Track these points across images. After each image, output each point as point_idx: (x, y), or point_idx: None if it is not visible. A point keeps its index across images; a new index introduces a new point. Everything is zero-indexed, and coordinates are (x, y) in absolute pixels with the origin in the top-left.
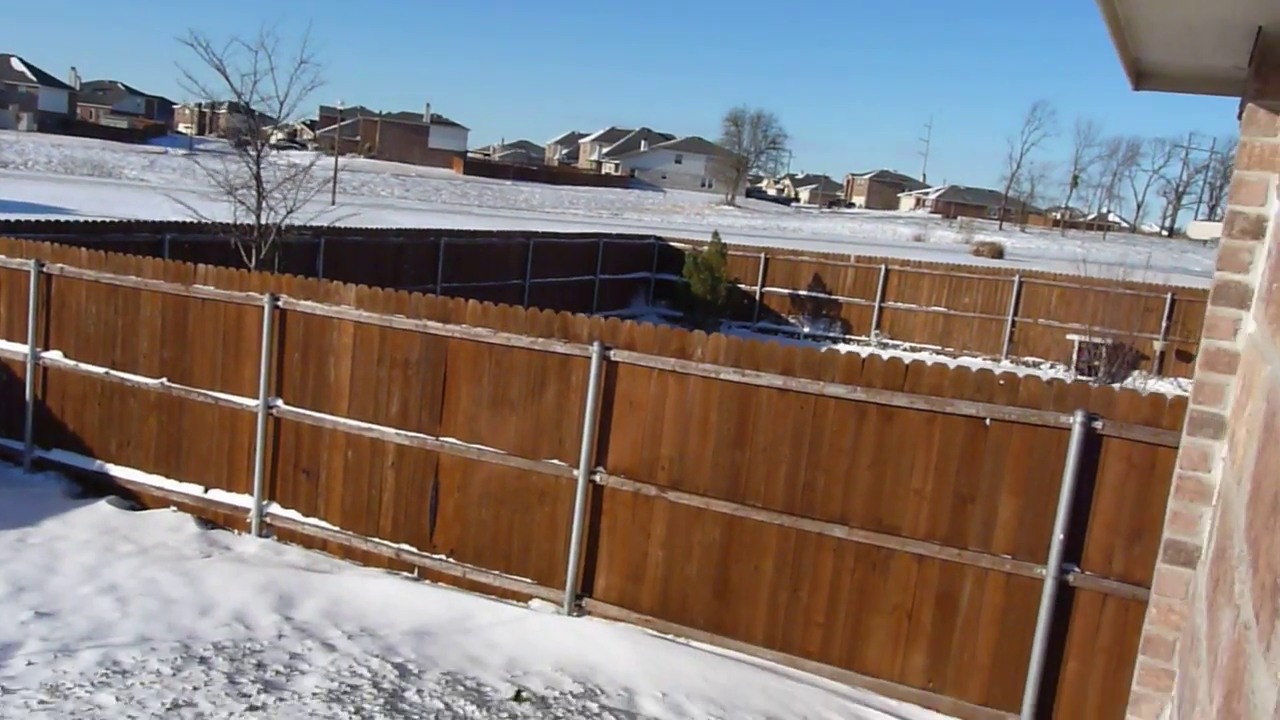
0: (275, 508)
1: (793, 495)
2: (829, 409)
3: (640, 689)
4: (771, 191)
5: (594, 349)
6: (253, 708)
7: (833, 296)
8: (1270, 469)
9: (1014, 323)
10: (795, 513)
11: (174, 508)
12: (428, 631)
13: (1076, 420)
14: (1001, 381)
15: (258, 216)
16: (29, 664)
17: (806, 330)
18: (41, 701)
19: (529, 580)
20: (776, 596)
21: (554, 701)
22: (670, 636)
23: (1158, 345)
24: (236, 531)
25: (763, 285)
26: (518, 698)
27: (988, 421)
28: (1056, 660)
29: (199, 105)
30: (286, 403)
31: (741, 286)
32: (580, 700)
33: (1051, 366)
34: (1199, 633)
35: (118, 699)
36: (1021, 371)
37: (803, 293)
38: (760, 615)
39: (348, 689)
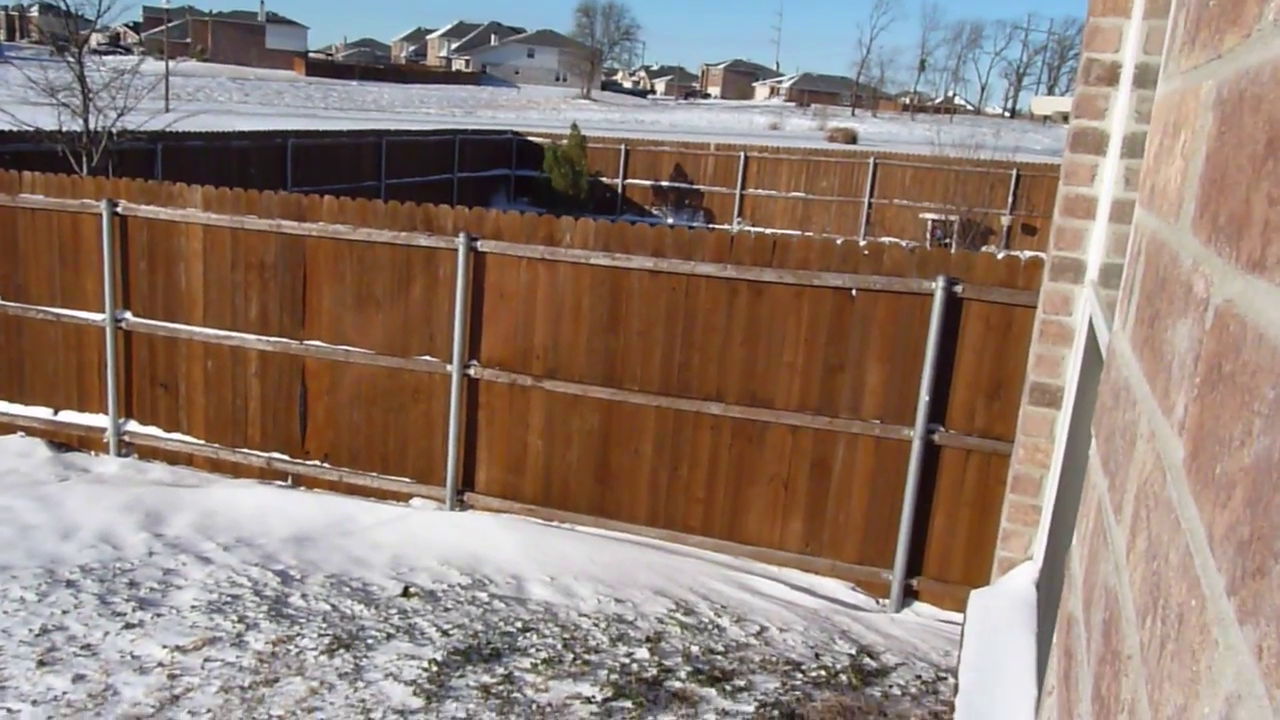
0: (133, 425)
1: (669, 376)
2: (701, 288)
3: (528, 575)
4: (627, 84)
5: (460, 240)
6: (129, 625)
7: (694, 186)
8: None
9: (870, 205)
10: (672, 393)
11: (21, 433)
12: (308, 537)
13: (939, 285)
14: (866, 252)
15: (85, 121)
16: None
17: (670, 221)
18: None
19: (408, 479)
20: (657, 476)
21: (443, 594)
22: (555, 524)
23: (1005, 220)
24: (94, 453)
25: (624, 178)
26: (405, 594)
27: (854, 292)
28: (925, 515)
29: (5, 8)
30: (136, 314)
31: (603, 180)
32: (469, 591)
33: (907, 245)
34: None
35: None
36: None
37: (665, 184)
38: (643, 496)
39: (229, 599)
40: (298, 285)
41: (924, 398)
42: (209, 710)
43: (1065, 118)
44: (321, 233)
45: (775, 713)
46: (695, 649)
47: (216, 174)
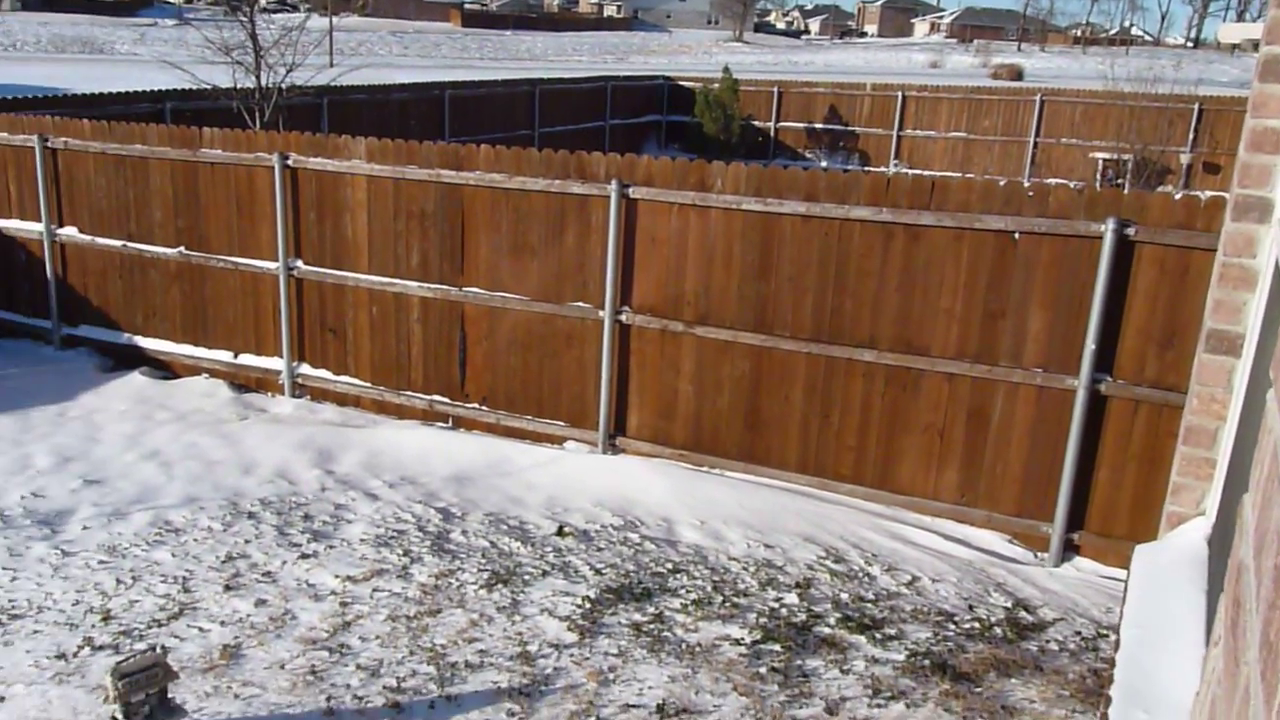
0: (305, 368)
1: (820, 322)
2: (854, 233)
3: (678, 518)
4: (780, 25)
5: (612, 187)
6: (304, 556)
7: (849, 128)
8: None
9: (1036, 145)
10: (823, 340)
11: (206, 375)
12: (467, 477)
13: (1108, 227)
14: (1030, 193)
15: (258, 78)
16: (84, 528)
17: (824, 164)
18: (101, 561)
19: (562, 423)
20: (808, 423)
21: (595, 534)
22: (704, 469)
23: (1184, 158)
24: (270, 394)
25: (777, 121)
26: (560, 533)
27: (1016, 235)
28: (1088, 468)
29: None
30: (306, 263)
31: (755, 123)
32: (621, 532)
33: (1075, 185)
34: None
35: (173, 555)
36: None
37: (818, 126)
38: (792, 443)
39: (394, 534)
40: (456, 233)
41: (1090, 346)
42: (377, 637)
43: (1255, 46)
44: (478, 181)
45: (926, 662)
46: (845, 596)
47: (378, 126)
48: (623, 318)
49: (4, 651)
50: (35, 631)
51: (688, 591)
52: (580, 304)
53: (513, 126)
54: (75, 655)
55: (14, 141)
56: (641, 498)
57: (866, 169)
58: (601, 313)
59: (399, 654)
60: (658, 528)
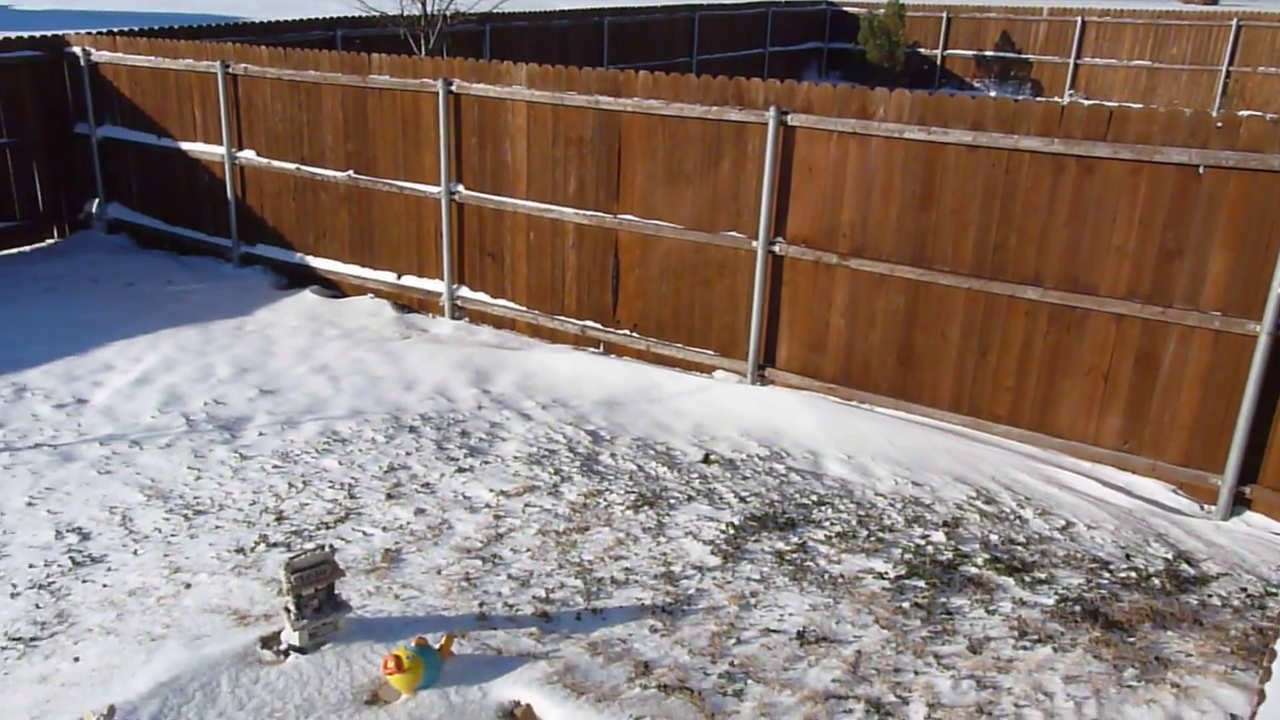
0: (464, 291)
1: (982, 258)
2: (1023, 164)
3: (825, 451)
4: None
5: (770, 114)
6: (461, 469)
7: (1022, 56)
8: None
9: (1229, 74)
10: (984, 276)
11: (371, 294)
12: (616, 401)
13: None
14: (1219, 124)
15: (423, 5)
16: (260, 434)
17: (993, 94)
18: (275, 465)
19: (711, 352)
20: (963, 361)
21: (741, 463)
22: (853, 403)
23: None
24: (430, 315)
25: (944, 48)
26: (706, 460)
27: (1201, 169)
28: (1267, 418)
29: None
30: (467, 188)
31: (921, 51)
32: (767, 462)
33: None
34: None
35: (340, 463)
36: None
37: (988, 54)
38: (946, 380)
39: (546, 453)
40: (612, 160)
41: (1276, 290)
42: (528, 549)
43: None
44: (635, 108)
45: (1077, 608)
46: (994, 537)
47: (538, 52)
48: (776, 248)
49: (190, 543)
50: (217, 527)
51: (832, 524)
52: (733, 233)
53: (671, 54)
54: (252, 550)
55: (198, 68)
56: (788, 429)
57: (1038, 99)
58: (755, 243)
59: (548, 567)
60: (804, 460)
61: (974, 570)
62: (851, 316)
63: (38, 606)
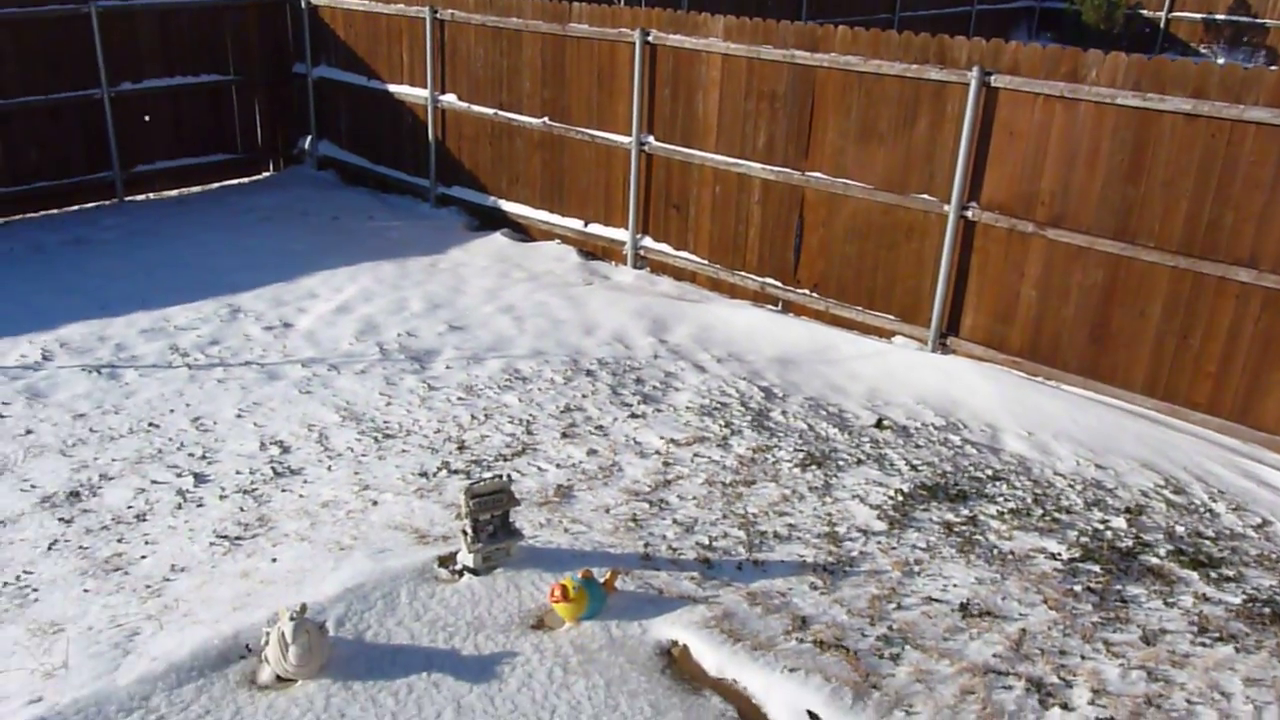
0: (648, 241)
1: (1192, 234)
2: (1247, 137)
3: (1004, 426)
4: None
5: (972, 74)
6: (634, 415)
7: (1258, 20)
8: None
9: None
10: (1194, 254)
11: (558, 240)
12: (791, 360)
13: None
14: None
15: None
16: (447, 367)
17: (1221, 60)
18: (460, 398)
19: (892, 317)
20: (1163, 343)
21: (915, 431)
22: (1038, 379)
23: None
24: (613, 263)
25: (1169, 10)
26: (879, 425)
27: None
28: None
29: None
30: (657, 139)
31: (1143, 13)
32: (942, 432)
33: None
34: None
35: (520, 400)
36: None
37: (1219, 17)
38: (1141, 362)
39: (718, 405)
40: (804, 116)
41: None
42: (694, 497)
43: None
44: (832, 64)
45: (1266, 610)
46: (1180, 529)
47: (736, 6)
48: (968, 214)
49: (378, 464)
50: (404, 451)
51: (1006, 500)
52: (924, 196)
53: (871, 10)
54: (434, 475)
55: (408, 13)
56: (967, 400)
57: (1273, 67)
58: (946, 207)
59: (712, 516)
60: (981, 433)
61: (1155, 560)
62: (1044, 288)
63: (242, 510)
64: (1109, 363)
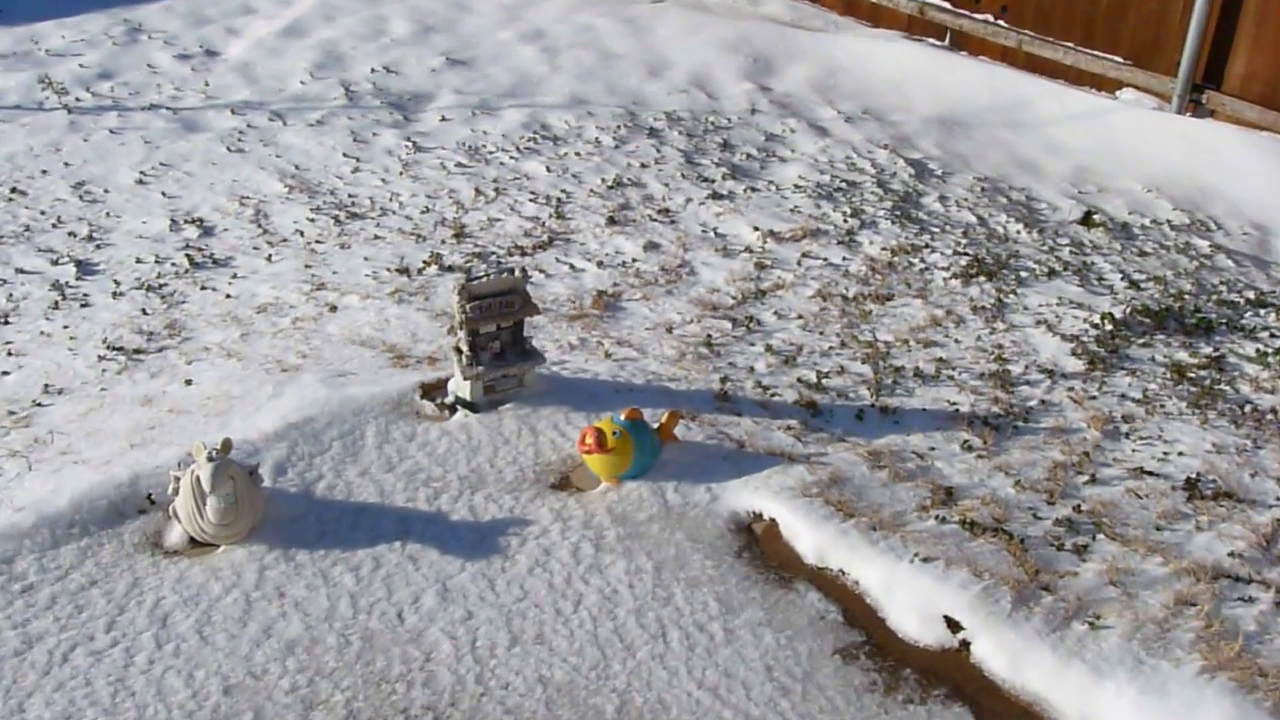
0: None
1: None
2: None
3: None
4: None
5: None
6: (716, 195)
7: None
8: None
9: None
10: None
11: None
12: (959, 121)
13: None
14: None
15: None
16: (443, 119)
17: None
18: (460, 165)
19: (1119, 59)
20: None
21: (1140, 231)
22: None
23: None
24: None
25: None
26: (1086, 220)
27: None
28: None
29: None
30: None
31: None
32: (1182, 234)
33: None
34: None
35: (548, 169)
36: None
37: None
38: None
39: (843, 185)
40: None
41: None
42: (800, 315)
43: None
44: None
45: None
46: None
47: None
48: None
49: (340, 255)
50: (376, 237)
51: (1273, 336)
52: None
53: None
54: (420, 272)
55: None
56: (1226, 188)
57: None
58: None
59: (825, 342)
60: (1243, 237)
61: None
62: None
63: (144, 312)
64: None
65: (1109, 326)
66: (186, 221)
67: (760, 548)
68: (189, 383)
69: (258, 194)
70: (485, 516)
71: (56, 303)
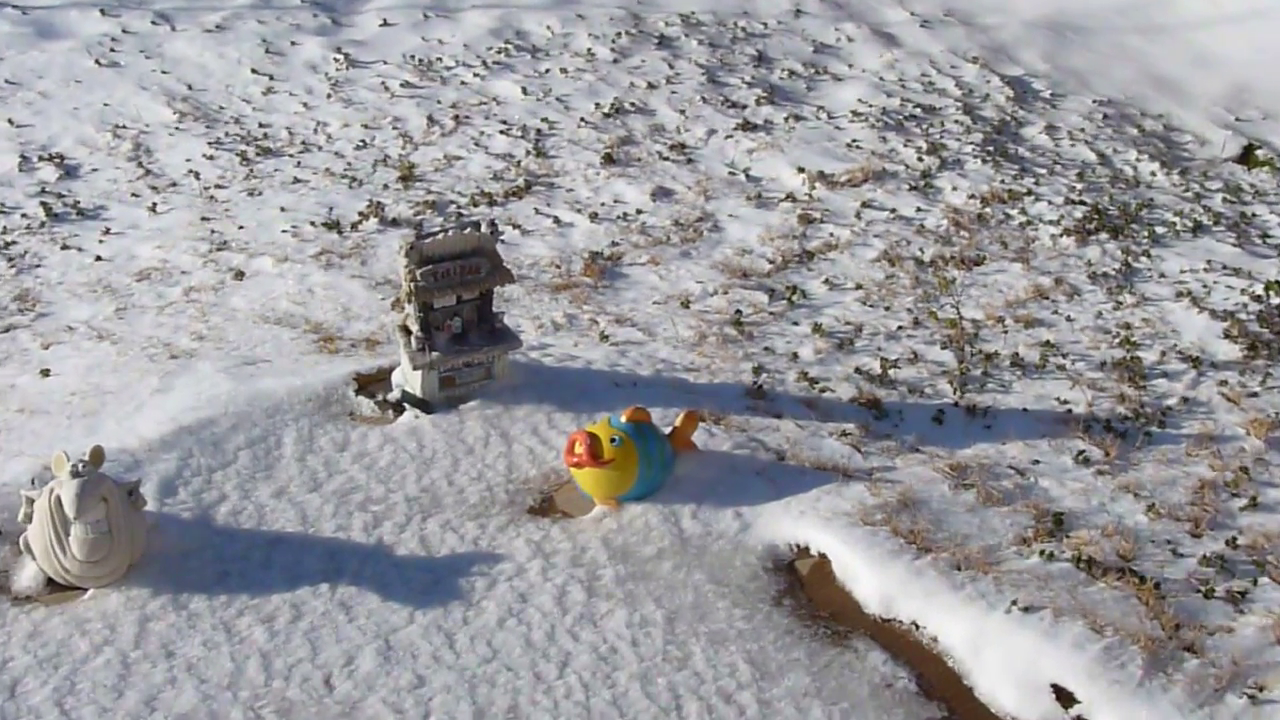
0: None
1: None
2: None
3: None
4: None
5: None
6: (747, 125)
7: None
8: None
9: None
10: None
11: None
12: (1073, 25)
13: None
14: None
15: None
16: (384, 23)
17: None
18: (406, 84)
19: None
20: None
21: None
22: None
23: None
24: None
25: None
26: (1246, 158)
27: None
28: None
29: None
30: None
31: None
32: None
33: None
34: None
35: (523, 90)
36: None
37: None
38: None
39: (915, 111)
40: None
41: None
42: (857, 285)
43: None
44: None
45: None
46: None
47: None
48: None
49: (247, 202)
50: (297, 180)
51: None
52: None
53: None
54: (355, 228)
55: None
56: None
57: None
58: None
59: (893, 321)
60: None
61: None
62: None
63: None
64: None
65: (1276, 300)
66: (41, 159)
67: (806, 593)
68: (46, 373)
69: (137, 122)
70: (441, 550)
71: None
